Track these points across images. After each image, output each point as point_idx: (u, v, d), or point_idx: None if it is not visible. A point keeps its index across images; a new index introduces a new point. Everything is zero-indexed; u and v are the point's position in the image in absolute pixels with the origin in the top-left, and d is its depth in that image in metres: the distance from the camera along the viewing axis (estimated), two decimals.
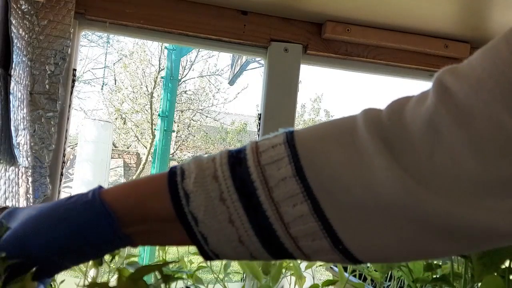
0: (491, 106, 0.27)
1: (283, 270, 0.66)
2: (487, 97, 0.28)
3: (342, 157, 0.32)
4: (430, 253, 0.33)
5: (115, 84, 9.75)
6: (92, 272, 0.62)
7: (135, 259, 0.61)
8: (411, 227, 0.31)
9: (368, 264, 0.67)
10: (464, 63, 0.31)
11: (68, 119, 0.86)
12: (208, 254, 0.36)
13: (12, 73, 0.71)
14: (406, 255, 0.34)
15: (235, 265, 0.77)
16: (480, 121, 0.28)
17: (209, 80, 10.05)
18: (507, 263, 0.46)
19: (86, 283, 0.57)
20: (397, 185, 0.30)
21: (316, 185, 0.32)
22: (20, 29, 0.74)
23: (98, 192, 0.37)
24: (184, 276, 0.66)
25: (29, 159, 0.76)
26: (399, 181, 0.30)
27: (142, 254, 3.83)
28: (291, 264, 0.67)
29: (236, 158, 0.35)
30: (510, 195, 0.28)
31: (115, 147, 9.67)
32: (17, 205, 0.74)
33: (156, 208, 0.36)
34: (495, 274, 0.46)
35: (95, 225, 0.36)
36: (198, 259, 0.70)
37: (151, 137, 8.72)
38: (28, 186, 0.77)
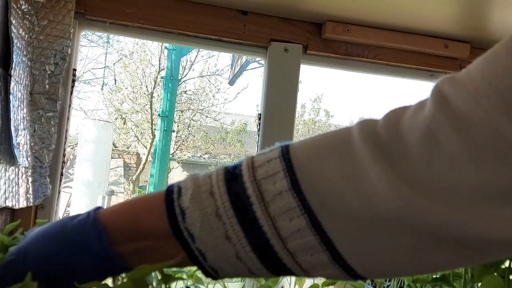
0: (490, 114, 0.27)
1: None
2: (486, 105, 0.27)
3: (338, 169, 0.32)
4: (432, 266, 0.33)
5: (115, 84, 9.75)
6: None
7: None
8: (410, 238, 0.30)
9: None
10: (463, 72, 0.30)
11: (68, 119, 0.86)
12: (207, 270, 0.36)
13: (12, 73, 0.71)
14: (408, 268, 0.34)
15: None
16: (479, 128, 0.27)
17: (209, 80, 10.06)
18: (507, 263, 0.46)
19: None
20: (393, 194, 0.30)
21: (312, 197, 0.32)
22: (20, 29, 0.74)
23: (94, 210, 0.37)
24: (184, 276, 0.66)
25: (29, 159, 0.76)
26: (395, 190, 0.30)
27: None
28: None
29: (232, 174, 0.35)
30: (509, 202, 0.28)
31: (115, 147, 9.67)
32: (17, 205, 0.74)
33: (151, 224, 0.35)
34: (495, 274, 0.46)
35: (84, 240, 0.35)
36: None
37: (151, 137, 8.72)
38: (28, 186, 0.77)
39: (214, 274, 0.36)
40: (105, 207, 0.38)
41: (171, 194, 0.35)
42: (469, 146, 0.28)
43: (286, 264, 0.34)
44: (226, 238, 0.33)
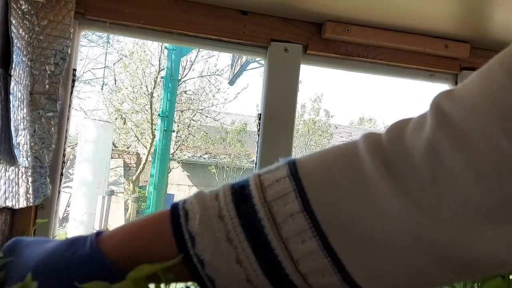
0: (488, 130, 0.28)
1: None
2: (484, 121, 0.28)
3: (348, 188, 0.32)
4: (439, 283, 0.33)
5: (115, 84, 9.76)
6: None
7: None
8: (418, 258, 0.31)
9: None
10: (460, 87, 0.31)
11: (68, 119, 0.86)
12: None
13: (12, 73, 0.70)
14: (414, 285, 0.34)
15: None
16: (478, 144, 0.28)
17: (209, 80, 10.06)
18: None
19: None
20: (402, 215, 0.30)
21: (324, 219, 0.32)
22: (20, 29, 0.74)
23: (95, 242, 0.36)
24: None
25: (29, 159, 0.76)
26: (404, 210, 0.30)
27: None
28: None
29: (240, 195, 0.34)
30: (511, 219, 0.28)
31: (115, 147, 9.67)
32: (17, 205, 0.74)
33: (161, 252, 0.35)
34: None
35: (93, 276, 0.34)
36: None
37: (151, 137, 8.73)
38: (28, 186, 0.77)
39: None
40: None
41: (177, 218, 0.35)
42: (470, 161, 0.28)
43: (297, 285, 0.33)
44: (237, 262, 0.33)
